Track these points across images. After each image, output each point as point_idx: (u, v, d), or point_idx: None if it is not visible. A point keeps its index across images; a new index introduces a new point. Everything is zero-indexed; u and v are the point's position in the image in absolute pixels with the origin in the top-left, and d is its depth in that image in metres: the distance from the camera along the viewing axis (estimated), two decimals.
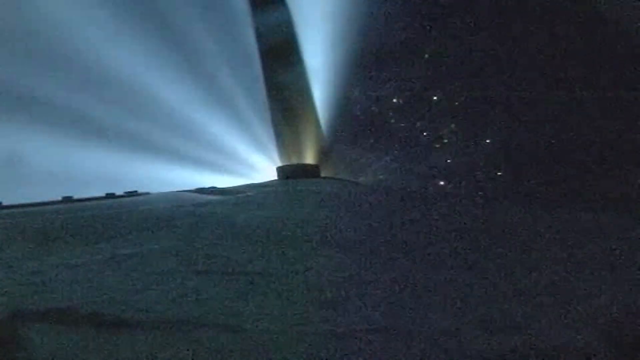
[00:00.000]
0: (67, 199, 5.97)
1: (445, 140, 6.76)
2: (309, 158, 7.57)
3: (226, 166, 7.37)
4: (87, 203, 5.83)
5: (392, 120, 7.03)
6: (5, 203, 5.74)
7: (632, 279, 2.75)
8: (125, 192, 6.21)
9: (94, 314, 2.27)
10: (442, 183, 6.74)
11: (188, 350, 2.00)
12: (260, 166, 7.57)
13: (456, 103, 6.77)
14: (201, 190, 6.31)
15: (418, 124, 6.90)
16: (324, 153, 7.51)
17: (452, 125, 6.74)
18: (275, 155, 7.60)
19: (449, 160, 6.73)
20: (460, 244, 3.45)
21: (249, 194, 5.87)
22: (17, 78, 6.63)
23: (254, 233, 3.81)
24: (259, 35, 7.60)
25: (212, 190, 6.33)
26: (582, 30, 6.08)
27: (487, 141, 6.54)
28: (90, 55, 6.95)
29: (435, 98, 6.82)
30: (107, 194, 6.11)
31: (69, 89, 6.81)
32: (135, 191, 6.24)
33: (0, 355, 2.00)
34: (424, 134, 6.86)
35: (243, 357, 1.97)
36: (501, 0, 6.54)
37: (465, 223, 4.18)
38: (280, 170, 7.50)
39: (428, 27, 6.92)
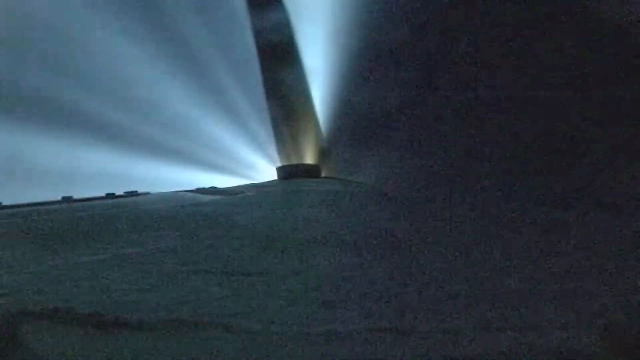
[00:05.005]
0: (67, 199, 5.97)
1: (446, 141, 6.75)
2: (309, 158, 7.57)
3: (226, 166, 7.38)
4: (87, 203, 5.83)
5: (393, 120, 7.03)
6: (5, 203, 5.73)
7: (632, 279, 2.75)
8: (125, 192, 6.21)
9: (94, 314, 2.27)
10: (442, 183, 6.73)
11: (188, 350, 2.00)
12: (260, 166, 7.57)
13: (457, 103, 6.76)
14: (201, 190, 6.32)
15: (418, 124, 6.89)
16: (324, 153, 7.50)
17: (453, 126, 6.74)
18: (275, 155, 7.60)
19: (449, 161, 6.72)
20: (460, 244, 3.45)
21: (249, 194, 5.87)
22: (16, 77, 6.63)
23: (254, 233, 3.81)
24: (257, 35, 7.60)
25: (212, 190, 6.33)
26: (585, 28, 6.08)
27: (488, 142, 6.54)
28: (90, 54, 6.95)
29: (436, 98, 6.81)
30: (107, 194, 6.11)
31: (70, 88, 6.81)
32: (135, 191, 6.24)
33: (0, 355, 2.00)
34: (425, 134, 6.86)
35: (243, 358, 1.97)
36: (501, 1, 6.54)
37: (465, 223, 4.18)
38: (280, 170, 7.50)
39: (428, 27, 6.92)
